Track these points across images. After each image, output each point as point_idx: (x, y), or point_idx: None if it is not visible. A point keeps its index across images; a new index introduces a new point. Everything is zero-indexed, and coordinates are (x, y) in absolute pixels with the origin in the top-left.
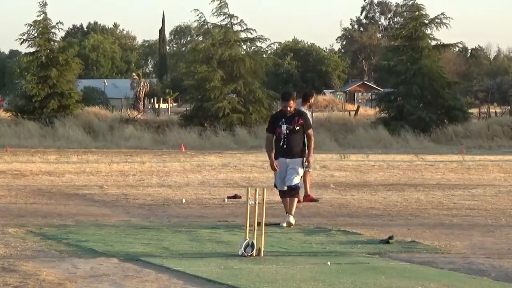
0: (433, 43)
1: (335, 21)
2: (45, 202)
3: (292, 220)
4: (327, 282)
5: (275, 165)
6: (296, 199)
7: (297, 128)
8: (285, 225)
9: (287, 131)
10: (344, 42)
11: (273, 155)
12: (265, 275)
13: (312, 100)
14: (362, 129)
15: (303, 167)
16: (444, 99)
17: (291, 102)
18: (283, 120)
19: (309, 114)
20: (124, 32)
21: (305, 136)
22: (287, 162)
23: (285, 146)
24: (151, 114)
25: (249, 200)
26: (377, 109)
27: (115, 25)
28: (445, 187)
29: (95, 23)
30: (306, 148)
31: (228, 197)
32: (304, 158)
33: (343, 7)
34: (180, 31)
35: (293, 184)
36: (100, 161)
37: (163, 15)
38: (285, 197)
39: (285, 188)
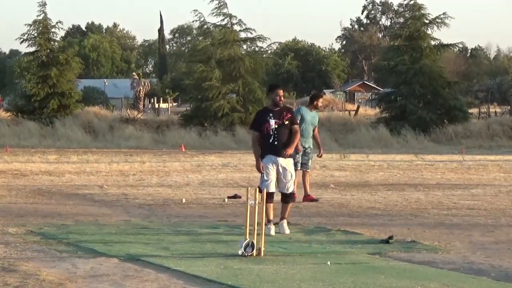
0: (434, 43)
1: (335, 21)
2: (45, 202)
3: (287, 228)
4: (327, 282)
5: (261, 167)
6: (290, 205)
7: (286, 122)
8: (272, 233)
9: (276, 126)
10: (344, 42)
11: (259, 155)
12: (265, 275)
13: (317, 102)
14: (362, 129)
15: (295, 168)
16: (444, 99)
17: (282, 91)
18: (271, 115)
19: (310, 114)
20: (124, 32)
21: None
22: (278, 161)
23: (276, 143)
24: (151, 114)
25: (249, 200)
26: (377, 109)
27: (115, 25)
28: (445, 187)
29: (92, 23)
30: (294, 140)
31: (228, 197)
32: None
33: (343, 7)
34: (181, 31)
35: (289, 191)
36: (100, 161)
37: (161, 15)
38: (271, 202)
39: (273, 190)
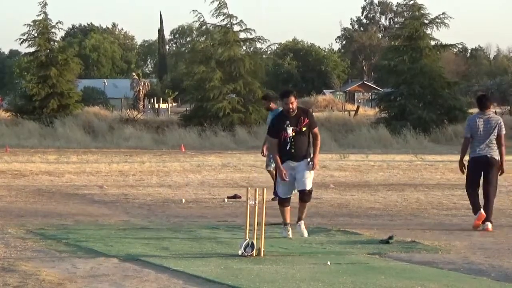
0: (433, 43)
1: (334, 21)
2: (45, 202)
3: (305, 230)
4: (326, 282)
5: (284, 174)
6: (307, 205)
7: (304, 129)
8: (291, 235)
9: (293, 133)
10: (344, 42)
11: (280, 162)
12: (265, 275)
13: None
14: (362, 129)
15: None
16: (444, 99)
17: (292, 98)
18: (288, 122)
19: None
20: (122, 32)
21: (310, 135)
22: (294, 165)
23: (292, 151)
24: (151, 114)
25: (249, 200)
26: (377, 109)
27: (114, 25)
28: (445, 187)
29: (92, 24)
30: (312, 147)
31: (228, 197)
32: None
33: (343, 7)
34: (182, 31)
35: (307, 188)
36: (100, 161)
37: (160, 15)
38: (287, 206)
39: (289, 195)
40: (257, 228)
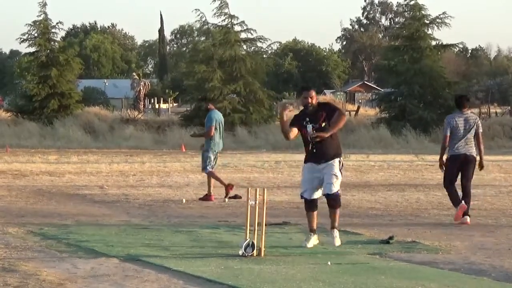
0: (434, 43)
1: (335, 21)
2: (45, 202)
3: (338, 238)
4: (327, 282)
5: (284, 113)
6: (338, 210)
7: (324, 124)
8: (309, 245)
9: (314, 131)
10: (344, 42)
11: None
12: (265, 275)
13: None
14: (362, 129)
15: (341, 170)
16: (445, 99)
17: (312, 92)
18: (307, 119)
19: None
20: (122, 33)
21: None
22: (319, 167)
23: (315, 151)
24: (152, 114)
25: (249, 200)
26: (378, 109)
27: (113, 25)
28: None
29: (95, 22)
30: (332, 124)
31: (229, 197)
32: (339, 159)
33: (343, 7)
34: (182, 31)
35: (332, 191)
36: (100, 161)
37: (161, 15)
38: (313, 210)
39: (315, 196)
40: (257, 228)
